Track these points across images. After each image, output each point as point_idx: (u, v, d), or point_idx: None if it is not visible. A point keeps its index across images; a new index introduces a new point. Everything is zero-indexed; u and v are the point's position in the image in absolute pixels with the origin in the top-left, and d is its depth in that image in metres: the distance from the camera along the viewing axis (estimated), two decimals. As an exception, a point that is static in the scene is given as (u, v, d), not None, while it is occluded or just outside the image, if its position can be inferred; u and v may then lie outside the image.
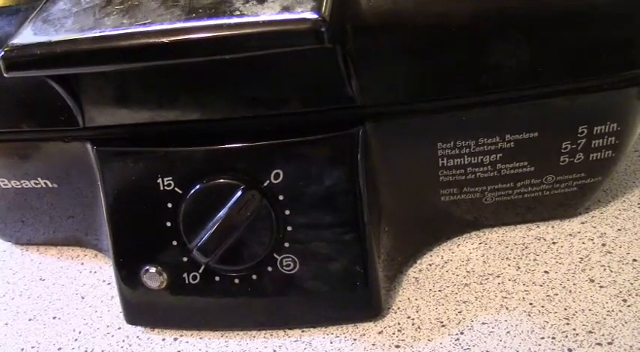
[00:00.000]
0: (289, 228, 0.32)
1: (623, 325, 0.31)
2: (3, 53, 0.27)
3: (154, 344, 0.34)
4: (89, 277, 0.39)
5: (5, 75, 0.27)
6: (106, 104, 0.31)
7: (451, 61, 0.30)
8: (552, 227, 0.37)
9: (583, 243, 0.36)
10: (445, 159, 0.33)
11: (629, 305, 0.32)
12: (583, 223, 0.37)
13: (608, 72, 0.30)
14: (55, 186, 0.36)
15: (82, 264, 0.40)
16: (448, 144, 0.32)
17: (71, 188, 0.36)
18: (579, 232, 0.36)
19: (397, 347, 0.32)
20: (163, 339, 0.35)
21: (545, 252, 0.36)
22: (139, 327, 0.35)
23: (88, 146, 0.33)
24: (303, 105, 0.31)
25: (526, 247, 0.36)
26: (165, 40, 0.26)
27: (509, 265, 0.35)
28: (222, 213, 0.31)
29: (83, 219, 0.38)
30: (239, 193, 0.31)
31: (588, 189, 0.35)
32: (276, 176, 0.31)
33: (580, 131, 0.32)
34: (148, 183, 0.32)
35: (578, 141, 0.32)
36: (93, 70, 0.28)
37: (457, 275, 0.35)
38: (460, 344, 0.32)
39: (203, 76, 0.30)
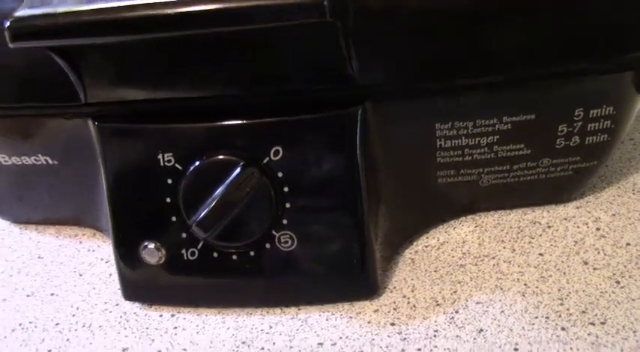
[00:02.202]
0: (287, 205, 0.32)
1: (615, 306, 0.32)
2: (9, 23, 0.27)
3: (151, 320, 0.35)
4: (87, 255, 0.40)
5: (10, 45, 0.27)
6: (107, 80, 0.32)
7: (450, 43, 0.30)
8: (547, 211, 0.37)
9: (578, 227, 0.36)
10: (443, 140, 0.33)
11: (622, 287, 0.33)
12: (578, 208, 0.37)
13: (604, 55, 0.31)
14: (56, 163, 0.36)
15: (81, 242, 0.41)
16: (446, 125, 0.32)
17: (72, 165, 0.36)
18: (574, 217, 0.37)
19: (392, 324, 0.33)
20: (161, 315, 0.35)
21: (540, 236, 0.36)
22: (136, 304, 0.36)
23: (89, 122, 0.33)
24: (303, 83, 0.31)
25: (521, 230, 0.36)
26: (168, 11, 0.26)
27: (504, 247, 0.36)
28: (221, 189, 0.32)
29: (82, 197, 0.38)
30: (238, 169, 0.31)
31: (583, 174, 0.35)
32: (276, 153, 0.32)
33: (576, 114, 0.32)
34: (148, 159, 0.33)
35: (575, 125, 0.33)
36: (97, 42, 0.28)
37: (453, 256, 0.36)
38: (455, 323, 0.32)
39: (204, 52, 0.30)
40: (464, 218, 0.38)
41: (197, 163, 0.32)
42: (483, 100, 0.32)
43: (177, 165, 0.32)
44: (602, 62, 0.31)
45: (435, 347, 0.31)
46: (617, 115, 0.32)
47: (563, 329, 0.31)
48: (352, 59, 0.30)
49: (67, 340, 0.34)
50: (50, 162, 0.36)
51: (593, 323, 0.31)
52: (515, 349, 0.31)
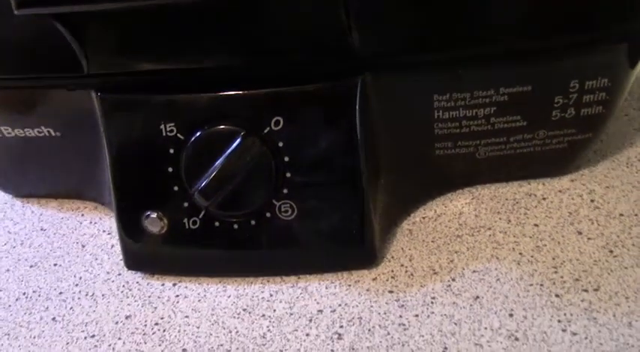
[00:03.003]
0: (288, 175, 0.33)
1: (609, 273, 0.32)
2: (14, -10, 0.28)
3: (153, 289, 0.35)
4: (90, 227, 0.40)
5: (15, 12, 0.28)
6: (110, 50, 0.32)
7: (449, 14, 0.31)
8: (543, 184, 0.38)
9: (572, 199, 0.37)
10: (441, 111, 0.34)
11: (615, 256, 0.33)
12: (573, 181, 0.38)
13: (598, 28, 0.31)
14: (59, 134, 0.37)
15: (83, 215, 0.41)
16: (444, 96, 0.33)
17: (74, 137, 0.37)
18: (569, 189, 0.37)
19: (390, 292, 0.33)
20: (162, 284, 0.36)
21: (536, 207, 0.37)
22: (138, 273, 0.36)
23: (92, 94, 0.34)
24: (304, 54, 0.32)
25: (517, 202, 0.37)
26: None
27: (500, 218, 0.36)
28: (222, 158, 0.32)
29: (85, 169, 0.38)
30: (239, 139, 0.32)
31: (579, 146, 0.36)
32: (276, 123, 0.32)
33: (572, 85, 0.33)
34: (150, 130, 0.33)
35: (570, 96, 0.33)
36: (100, 8, 0.28)
37: (450, 227, 0.36)
38: (451, 290, 0.33)
39: (205, 23, 0.31)
40: (461, 190, 0.38)
41: (199, 133, 0.33)
42: (480, 72, 0.32)
43: (179, 134, 0.33)
44: (596, 34, 0.31)
45: (432, 313, 0.32)
46: (612, 87, 0.33)
47: (557, 295, 0.32)
48: (352, 30, 0.30)
49: (71, 308, 0.35)
50: (53, 134, 0.37)
51: (586, 290, 0.32)
52: (511, 314, 0.31)
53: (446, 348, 0.30)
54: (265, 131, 0.32)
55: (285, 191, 0.33)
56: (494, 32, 0.31)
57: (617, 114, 0.41)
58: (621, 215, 0.35)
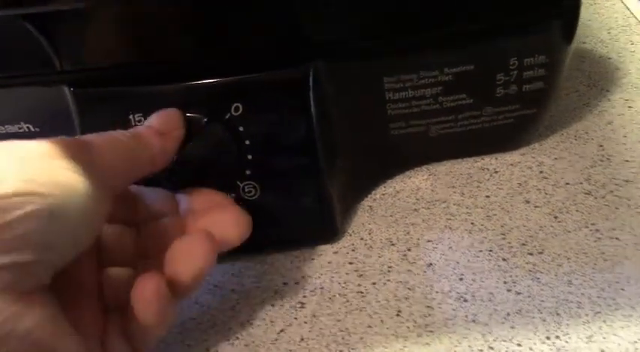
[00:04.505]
0: (250, 157, 0.35)
1: (553, 237, 0.35)
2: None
3: (131, 270, 0.38)
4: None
5: (-15, 14, 0.30)
6: (80, 48, 0.34)
7: (396, 1, 0.33)
8: (495, 158, 0.40)
9: (522, 171, 0.39)
10: (392, 92, 0.36)
11: (559, 221, 0.36)
12: (523, 154, 0.40)
13: (530, 7, 0.33)
14: (37, 130, 0.39)
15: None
16: (393, 78, 0.35)
17: (52, 132, 0.38)
18: (519, 162, 0.40)
19: (350, 263, 0.36)
20: (140, 266, 0.38)
21: (488, 180, 0.39)
22: (117, 257, 0.39)
23: (65, 89, 0.36)
24: (261, 42, 0.34)
25: (471, 176, 0.39)
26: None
27: (454, 192, 0.39)
28: (189, 144, 0.34)
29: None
30: (203, 125, 0.34)
31: (526, 122, 0.38)
32: (236, 109, 0.34)
33: (511, 63, 0.35)
34: (120, 120, 0.35)
35: (511, 73, 0.35)
36: (64, 8, 0.31)
37: (407, 202, 0.39)
38: (407, 259, 0.35)
39: (167, 18, 0.33)
40: (419, 168, 0.41)
41: (165, 121, 0.35)
42: (424, 54, 0.35)
43: (146, 124, 0.35)
44: (529, 14, 0.33)
45: (388, 280, 0.34)
46: (550, 63, 0.35)
47: (504, 259, 0.34)
48: (304, 18, 0.33)
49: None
50: (32, 129, 0.39)
51: (531, 253, 0.34)
52: (461, 278, 0.34)
53: (400, 311, 0.33)
54: (226, 117, 0.34)
55: (247, 172, 0.35)
56: (438, 17, 0.33)
57: (567, 91, 0.44)
58: (567, 184, 0.38)
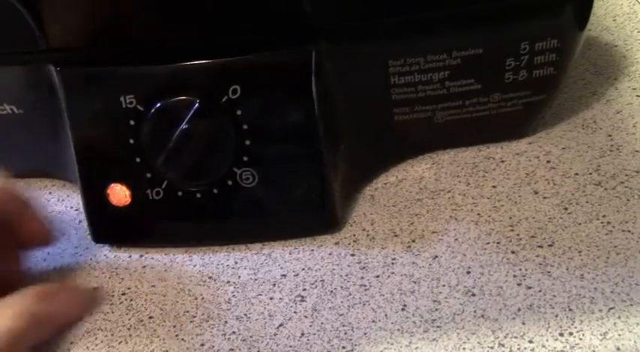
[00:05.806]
0: (247, 142, 0.33)
1: (563, 230, 0.33)
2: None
3: (120, 261, 0.36)
4: (57, 205, 0.41)
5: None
6: (67, 25, 0.32)
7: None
8: (501, 147, 0.39)
9: (529, 161, 0.38)
10: (397, 76, 0.34)
11: (569, 213, 0.34)
12: (530, 143, 0.39)
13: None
14: (22, 111, 0.37)
15: (50, 193, 0.42)
16: (398, 61, 0.34)
17: (37, 113, 0.37)
18: (526, 151, 0.38)
19: (352, 255, 0.34)
20: (130, 256, 0.36)
21: (494, 170, 0.37)
22: (106, 247, 0.37)
23: (51, 68, 0.34)
24: (259, 21, 0.32)
25: (476, 166, 0.38)
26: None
27: (459, 181, 0.37)
28: (182, 127, 0.32)
29: (50, 147, 0.38)
30: (199, 108, 0.32)
31: (533, 108, 0.37)
32: (234, 91, 0.33)
33: (522, 47, 0.33)
34: (110, 102, 0.33)
35: (521, 58, 0.34)
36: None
37: (410, 192, 0.37)
38: (411, 251, 0.34)
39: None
40: (422, 156, 0.39)
41: (158, 104, 0.33)
42: (432, 36, 0.33)
43: (138, 106, 0.33)
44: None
45: (393, 273, 0.33)
46: (562, 48, 0.34)
47: (513, 252, 0.33)
48: (305, -3, 0.31)
49: (39, 283, 0.35)
50: (16, 111, 0.37)
51: (541, 246, 0.33)
52: (468, 272, 0.32)
53: (405, 305, 0.31)
54: (223, 100, 0.33)
55: (245, 158, 0.33)
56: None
57: (574, 79, 0.42)
58: (576, 174, 0.36)
